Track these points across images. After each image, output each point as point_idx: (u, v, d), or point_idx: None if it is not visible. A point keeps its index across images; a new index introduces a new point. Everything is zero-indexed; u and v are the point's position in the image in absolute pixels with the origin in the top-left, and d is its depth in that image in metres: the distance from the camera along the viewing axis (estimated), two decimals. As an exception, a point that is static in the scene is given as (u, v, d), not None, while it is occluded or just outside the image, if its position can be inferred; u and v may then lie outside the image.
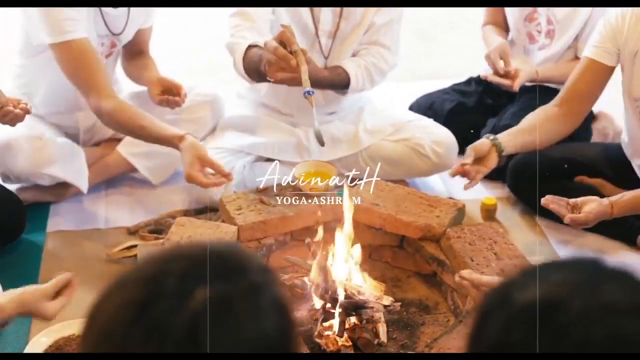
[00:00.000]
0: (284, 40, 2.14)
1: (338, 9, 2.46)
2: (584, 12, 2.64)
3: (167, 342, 0.79)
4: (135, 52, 2.68)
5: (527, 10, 2.75)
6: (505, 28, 2.87)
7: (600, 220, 2.14)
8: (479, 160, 2.23)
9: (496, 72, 2.55)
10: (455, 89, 2.97)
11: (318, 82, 2.34)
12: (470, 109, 2.86)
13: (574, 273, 0.85)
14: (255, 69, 2.28)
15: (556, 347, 0.79)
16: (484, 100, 2.88)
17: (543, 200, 2.22)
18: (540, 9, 2.72)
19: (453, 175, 2.24)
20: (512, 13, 2.82)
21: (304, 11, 2.45)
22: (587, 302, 0.80)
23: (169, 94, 2.55)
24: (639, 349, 0.79)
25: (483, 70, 2.75)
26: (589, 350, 0.78)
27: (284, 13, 2.44)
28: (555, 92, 2.49)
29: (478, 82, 2.92)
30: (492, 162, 2.24)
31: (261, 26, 2.39)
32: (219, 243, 0.92)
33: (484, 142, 2.25)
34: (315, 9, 2.45)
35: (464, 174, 2.21)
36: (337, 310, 1.90)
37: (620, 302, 0.81)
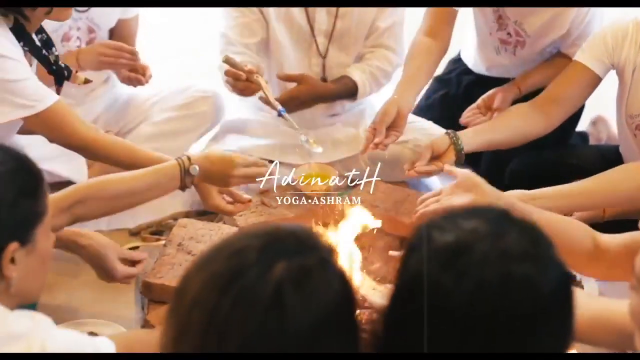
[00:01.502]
0: (232, 76, 2.25)
1: (333, 8, 2.47)
2: (558, 29, 2.43)
3: (255, 307, 0.90)
4: None
5: (493, 25, 2.54)
6: (445, 40, 2.40)
7: (592, 223, 2.14)
8: (435, 157, 2.15)
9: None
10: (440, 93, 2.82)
11: (325, 98, 2.45)
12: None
13: (483, 222, 1.00)
14: None
15: (458, 284, 0.95)
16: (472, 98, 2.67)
17: None
18: (507, 23, 2.48)
19: (412, 175, 2.17)
20: (479, 28, 2.63)
21: (297, 12, 2.46)
22: (488, 248, 0.96)
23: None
24: (526, 288, 0.95)
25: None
26: (485, 289, 0.94)
27: (272, 14, 2.46)
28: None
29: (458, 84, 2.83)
30: (449, 159, 2.15)
31: (242, 49, 2.46)
32: (291, 224, 1.07)
33: (442, 139, 2.17)
34: (310, 8, 2.46)
35: (420, 174, 2.15)
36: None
37: (515, 249, 0.97)
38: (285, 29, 2.48)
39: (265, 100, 2.27)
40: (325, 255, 0.97)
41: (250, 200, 2.10)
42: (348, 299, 0.98)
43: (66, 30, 2.49)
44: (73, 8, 2.29)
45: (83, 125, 2.08)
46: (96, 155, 2.12)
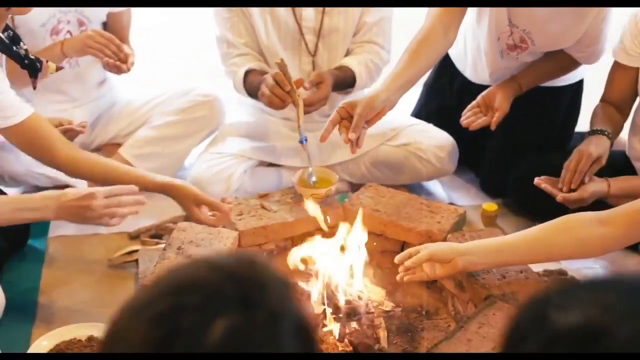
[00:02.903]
0: (278, 81, 2.25)
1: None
2: (564, 42, 2.41)
3: None
4: None
5: (506, 29, 2.45)
6: (452, 31, 2.35)
7: (597, 197, 2.14)
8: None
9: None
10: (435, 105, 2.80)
11: (338, 86, 2.43)
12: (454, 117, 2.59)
13: (619, 295, 0.78)
14: (257, 93, 2.37)
15: None
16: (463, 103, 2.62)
17: (536, 180, 2.22)
18: (514, 30, 2.43)
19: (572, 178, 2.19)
20: (489, 32, 2.52)
21: (283, 10, 2.45)
22: (634, 329, 0.74)
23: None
24: None
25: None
26: None
27: (256, 13, 2.45)
28: (538, 88, 2.50)
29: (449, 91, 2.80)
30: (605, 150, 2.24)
31: (245, 49, 2.49)
32: (235, 261, 0.84)
33: (601, 138, 2.25)
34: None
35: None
36: (338, 316, 1.91)
37: None
38: (273, 28, 2.47)
39: (297, 121, 2.29)
40: (275, 306, 0.80)
41: (230, 210, 2.15)
42: (303, 354, 0.81)
43: (55, 23, 2.46)
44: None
45: (60, 142, 2.10)
46: (72, 173, 2.18)
